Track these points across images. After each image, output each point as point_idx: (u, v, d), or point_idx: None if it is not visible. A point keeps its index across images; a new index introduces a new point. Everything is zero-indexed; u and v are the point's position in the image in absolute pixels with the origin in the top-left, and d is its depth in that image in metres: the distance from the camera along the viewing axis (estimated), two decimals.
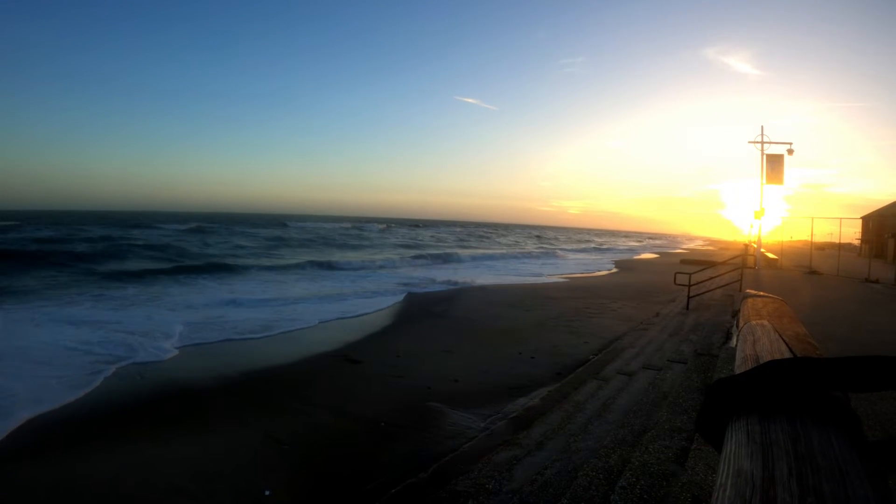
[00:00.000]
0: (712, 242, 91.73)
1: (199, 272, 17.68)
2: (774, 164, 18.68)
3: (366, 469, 4.14)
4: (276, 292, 13.93)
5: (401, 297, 13.60)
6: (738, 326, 2.24)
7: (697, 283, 10.76)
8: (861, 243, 32.80)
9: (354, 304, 12.45)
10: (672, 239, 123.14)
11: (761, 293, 2.67)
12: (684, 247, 67.38)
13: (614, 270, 26.26)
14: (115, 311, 10.57)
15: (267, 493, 3.78)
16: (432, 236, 58.03)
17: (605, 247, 55.41)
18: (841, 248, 20.31)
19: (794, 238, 24.86)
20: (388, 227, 78.73)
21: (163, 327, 8.91)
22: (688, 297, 10.65)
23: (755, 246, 20.69)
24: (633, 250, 52.36)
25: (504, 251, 38.95)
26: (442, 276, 19.16)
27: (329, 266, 22.03)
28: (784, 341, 1.38)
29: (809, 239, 19.85)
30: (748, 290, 3.01)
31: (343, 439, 4.72)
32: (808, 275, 16.17)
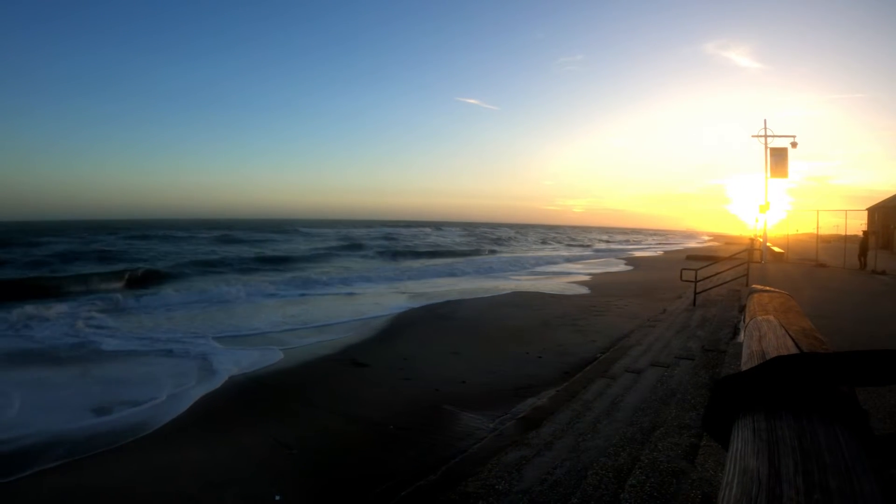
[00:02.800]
0: (718, 238, 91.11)
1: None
2: (778, 157, 18.58)
3: (375, 472, 4.14)
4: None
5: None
6: (744, 322, 2.23)
7: (703, 279, 10.71)
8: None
9: None
10: (677, 235, 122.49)
11: (767, 288, 2.66)
12: (689, 243, 67.23)
13: (629, 268, 26.37)
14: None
15: (277, 497, 3.80)
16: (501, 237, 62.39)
17: (620, 246, 56.16)
18: (847, 240, 20.08)
19: (800, 231, 24.66)
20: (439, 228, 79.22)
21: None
22: (694, 293, 10.61)
23: (761, 240, 20.56)
24: (645, 247, 53.28)
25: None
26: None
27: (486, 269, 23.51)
28: (790, 336, 1.38)
29: (815, 232, 19.68)
30: (754, 286, 3.00)
31: (352, 443, 4.74)
32: (814, 268, 16.05)
